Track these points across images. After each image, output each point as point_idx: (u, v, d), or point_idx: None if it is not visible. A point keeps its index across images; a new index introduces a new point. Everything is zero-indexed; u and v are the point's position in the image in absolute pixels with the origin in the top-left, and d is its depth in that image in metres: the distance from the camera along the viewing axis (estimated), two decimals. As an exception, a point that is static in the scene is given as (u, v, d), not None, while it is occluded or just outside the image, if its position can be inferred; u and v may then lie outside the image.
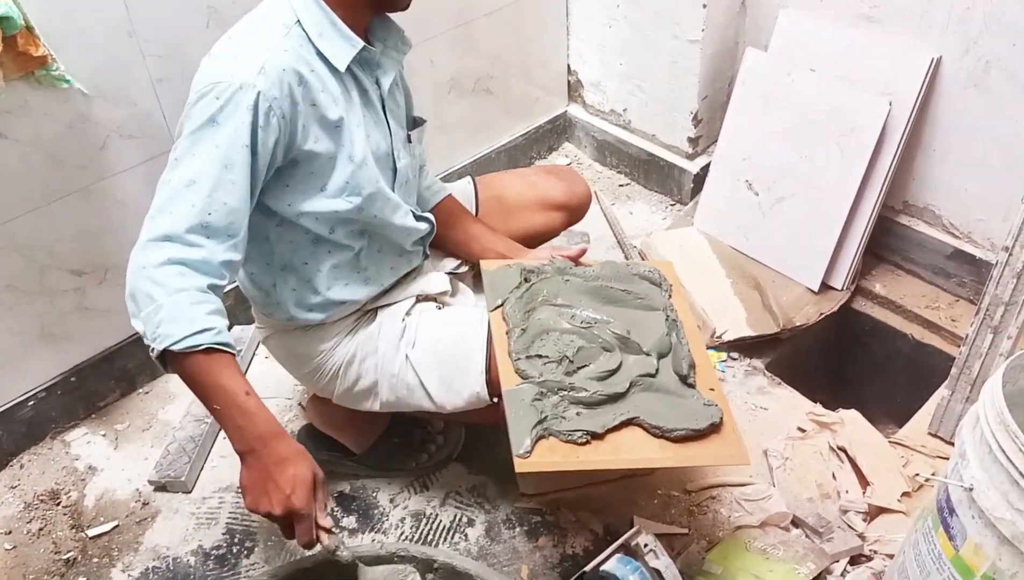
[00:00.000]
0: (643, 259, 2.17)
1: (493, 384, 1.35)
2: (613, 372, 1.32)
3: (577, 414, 1.27)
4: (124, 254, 1.74)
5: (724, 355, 1.91)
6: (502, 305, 1.43)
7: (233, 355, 1.11)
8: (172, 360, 1.08)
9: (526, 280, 1.46)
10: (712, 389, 1.35)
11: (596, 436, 1.25)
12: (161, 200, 1.13)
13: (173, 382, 1.93)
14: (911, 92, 1.81)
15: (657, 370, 1.34)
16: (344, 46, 1.23)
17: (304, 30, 1.20)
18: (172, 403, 1.88)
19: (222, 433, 1.80)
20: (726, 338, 1.91)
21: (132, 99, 1.64)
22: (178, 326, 1.06)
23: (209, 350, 1.07)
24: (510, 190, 1.70)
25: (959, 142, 1.84)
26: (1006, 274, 1.51)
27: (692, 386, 1.34)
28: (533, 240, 1.69)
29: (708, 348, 1.90)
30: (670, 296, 1.50)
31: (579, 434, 1.24)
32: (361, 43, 1.24)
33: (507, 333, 1.38)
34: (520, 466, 1.22)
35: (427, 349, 1.41)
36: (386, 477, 1.68)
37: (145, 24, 1.59)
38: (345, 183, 1.27)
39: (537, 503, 1.61)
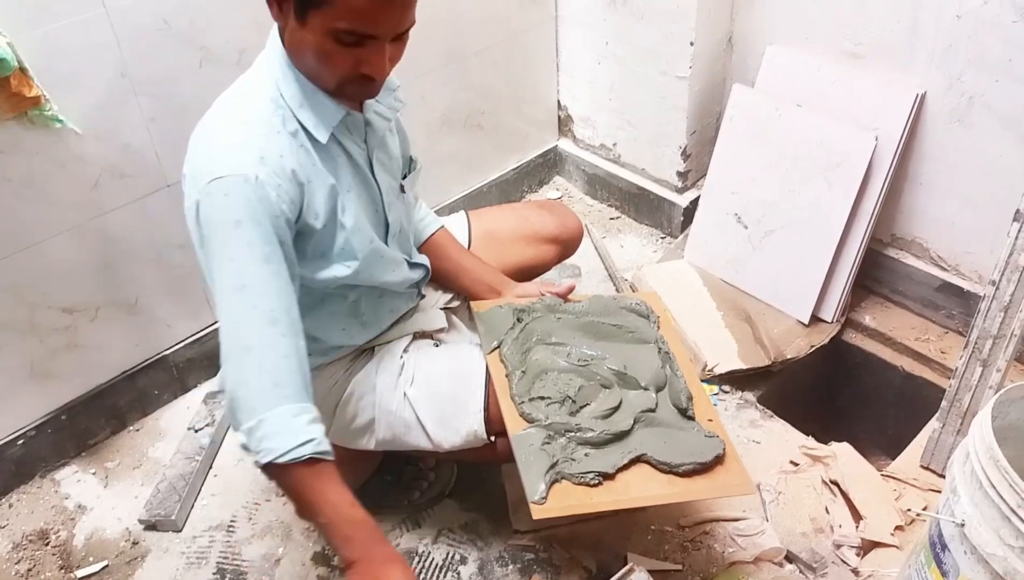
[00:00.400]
0: (634, 292, 2.18)
1: (491, 422, 1.36)
2: (615, 409, 1.34)
3: (586, 455, 1.27)
4: (116, 291, 1.76)
5: (716, 388, 1.91)
6: (499, 347, 1.43)
7: (333, 463, 1.13)
8: (275, 471, 1.11)
9: (519, 320, 1.47)
10: (711, 419, 1.36)
11: (607, 476, 1.26)
12: (224, 312, 1.14)
13: (164, 419, 1.92)
14: (897, 127, 1.84)
15: (656, 404, 1.35)
16: (324, 117, 1.21)
17: (286, 103, 1.19)
18: (162, 441, 1.87)
19: (212, 471, 1.80)
20: (718, 371, 1.91)
21: (124, 138, 1.65)
22: (281, 440, 1.09)
23: (311, 460, 1.10)
24: (502, 224, 1.71)
25: (945, 176, 1.86)
26: (993, 307, 1.52)
27: (692, 418, 1.35)
28: (525, 273, 1.70)
29: (701, 381, 1.91)
30: (659, 327, 1.51)
31: (591, 475, 1.25)
32: (342, 111, 1.23)
33: (507, 376, 1.38)
34: (537, 512, 1.22)
35: (425, 387, 1.41)
36: (378, 515, 1.65)
37: (138, 64, 1.61)
38: (341, 249, 1.27)
39: (530, 540, 1.60)
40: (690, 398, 1.38)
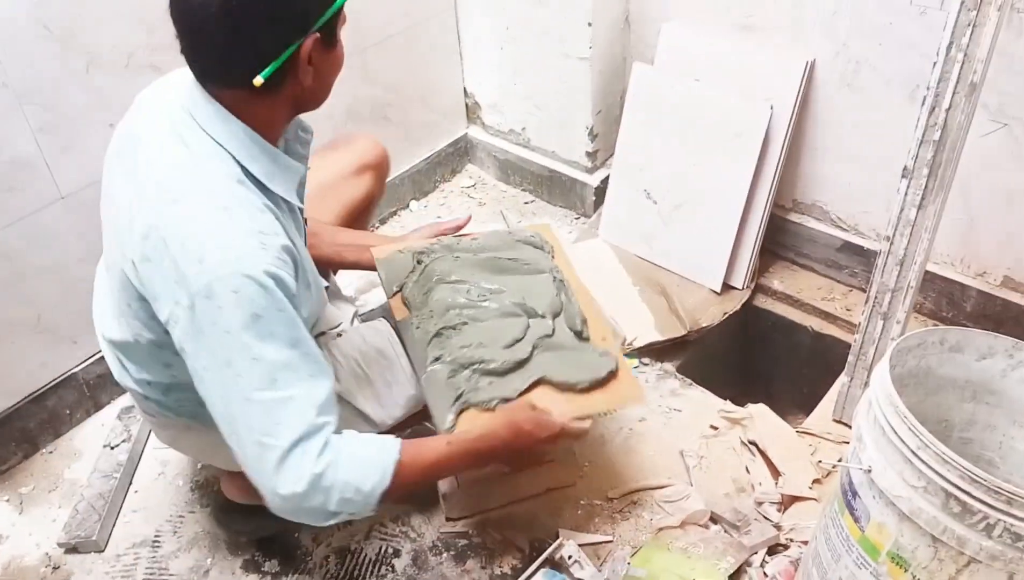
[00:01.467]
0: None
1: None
2: (517, 339, 1.41)
3: (489, 383, 1.34)
4: (16, 311, 1.70)
5: (636, 361, 1.95)
6: (400, 290, 1.50)
7: (401, 440, 1.16)
8: (393, 492, 1.12)
9: (419, 262, 1.53)
10: (604, 338, 1.46)
11: (509, 400, 1.32)
12: (259, 419, 1.05)
13: (78, 439, 1.86)
14: (790, 95, 1.89)
15: (553, 330, 1.44)
16: (290, 180, 1.18)
17: (255, 177, 1.11)
18: (78, 461, 1.81)
19: (132, 487, 1.75)
20: (637, 344, 1.95)
21: (11, 152, 1.58)
22: (371, 477, 1.10)
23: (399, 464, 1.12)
24: (318, 175, 1.57)
25: (838, 140, 1.93)
26: (890, 262, 1.59)
27: (587, 339, 1.45)
28: (359, 211, 1.70)
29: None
30: (553, 257, 1.61)
31: (495, 401, 1.32)
32: (299, 166, 1.19)
33: (411, 316, 1.46)
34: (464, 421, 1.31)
35: (350, 378, 1.41)
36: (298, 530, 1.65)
37: (19, 73, 1.54)
38: (309, 302, 1.24)
39: (463, 526, 1.61)
40: (584, 321, 1.46)
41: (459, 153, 2.64)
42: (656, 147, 2.11)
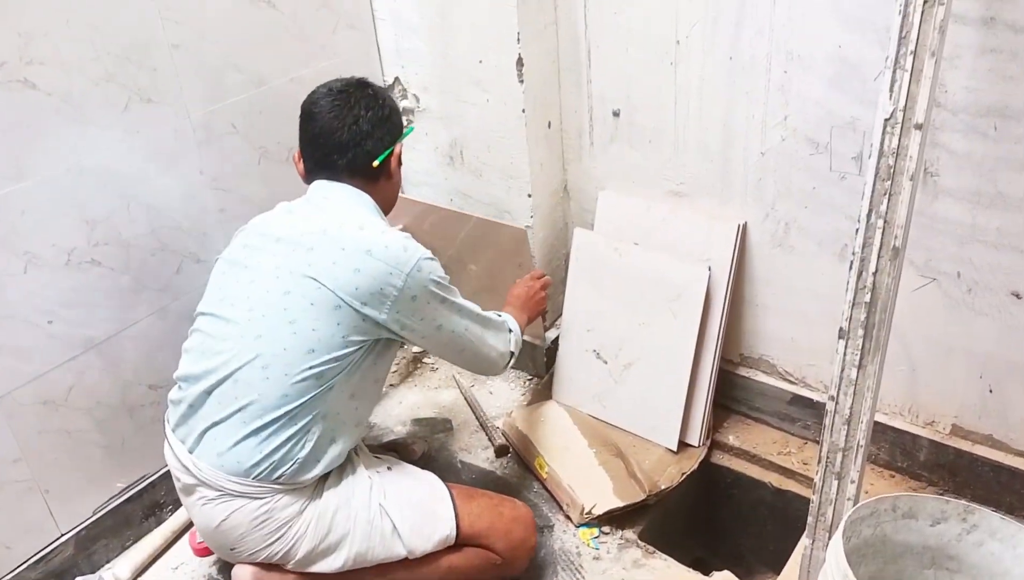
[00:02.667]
0: (506, 439, 2.18)
1: (460, 529, 1.63)
2: None
3: None
4: None
5: (596, 531, 1.90)
6: None
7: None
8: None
9: None
10: None
11: None
12: (480, 328, 1.68)
13: None
14: (726, 256, 1.95)
15: None
16: None
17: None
18: None
19: None
20: (596, 512, 1.90)
21: (202, 230, 1.90)
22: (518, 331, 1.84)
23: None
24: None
25: (777, 296, 1.97)
26: (837, 421, 1.59)
27: None
28: None
29: (579, 525, 1.90)
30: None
31: None
32: None
33: None
34: None
35: (397, 498, 1.61)
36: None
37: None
38: None
39: None
40: None
41: (410, 318, 2.64)
42: (602, 308, 2.14)
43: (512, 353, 1.78)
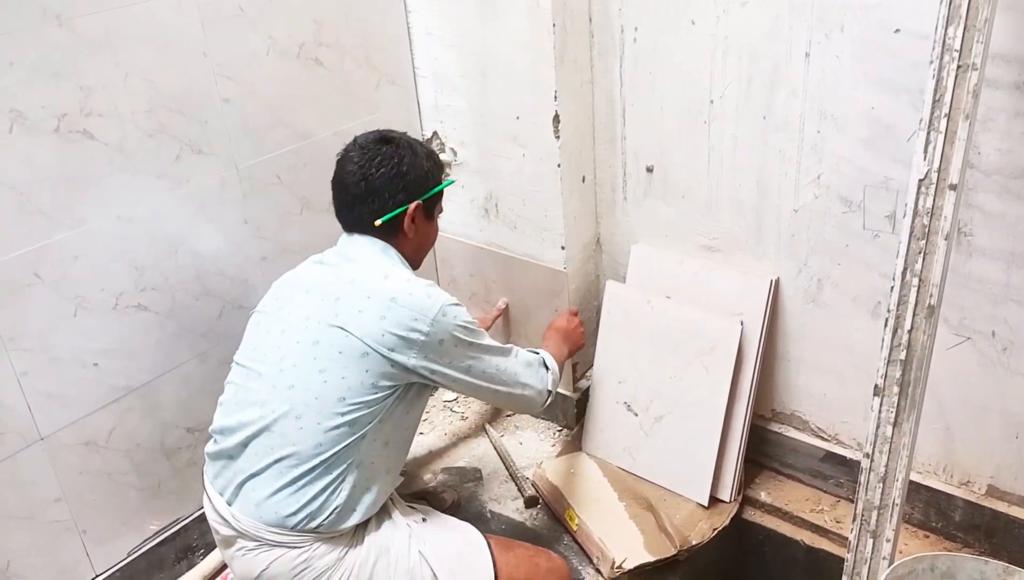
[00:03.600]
0: (535, 490, 2.18)
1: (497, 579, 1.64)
2: None
3: None
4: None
5: (626, 585, 1.89)
6: None
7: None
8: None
9: None
10: None
11: None
12: (512, 366, 1.72)
13: None
14: (759, 311, 1.96)
15: None
16: None
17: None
18: None
19: None
20: (627, 567, 1.89)
21: (244, 277, 1.94)
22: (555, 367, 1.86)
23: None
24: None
25: (810, 352, 1.98)
26: (872, 479, 1.58)
27: None
28: None
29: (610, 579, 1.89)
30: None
31: None
32: None
33: None
34: None
35: (435, 547, 1.62)
36: None
37: (10, 320, 1.59)
38: None
39: None
40: None
41: (441, 367, 2.67)
42: (634, 361, 2.15)
43: (550, 391, 1.80)
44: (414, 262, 1.71)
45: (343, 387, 1.50)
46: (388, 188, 1.61)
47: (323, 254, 1.68)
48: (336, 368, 1.50)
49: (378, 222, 1.61)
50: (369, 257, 1.62)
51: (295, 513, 1.49)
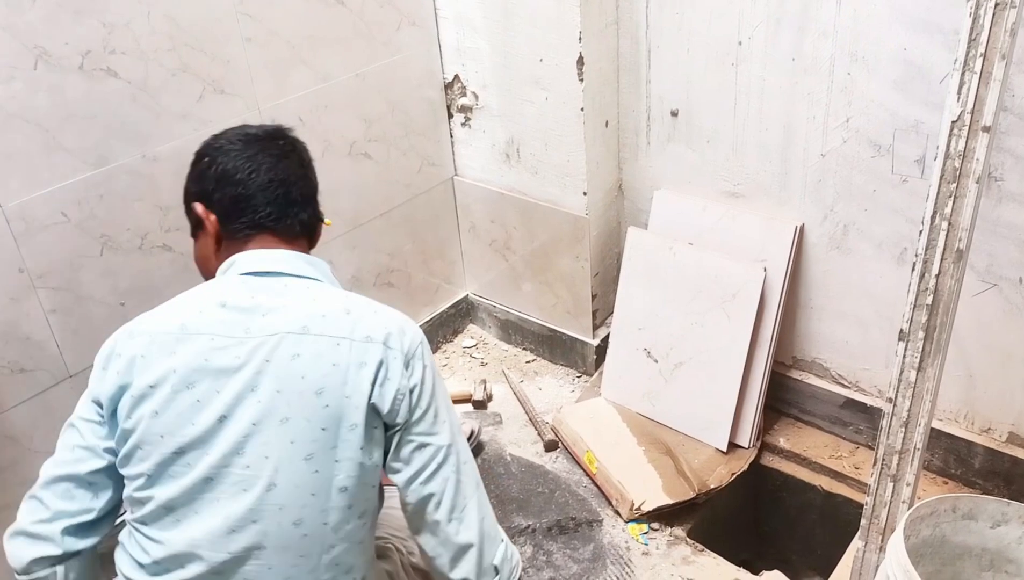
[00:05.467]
0: (555, 434, 2.20)
1: None
2: None
3: None
4: (19, 495, 1.67)
5: (646, 527, 1.91)
6: None
7: None
8: None
9: None
10: None
11: None
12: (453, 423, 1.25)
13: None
14: (782, 257, 1.95)
15: None
16: None
17: None
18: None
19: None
20: (645, 508, 1.91)
21: (24, 333, 1.62)
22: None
23: None
24: None
25: (832, 299, 1.97)
26: (894, 424, 1.58)
27: None
28: None
29: (628, 521, 1.92)
30: None
31: None
32: None
33: None
34: None
35: None
36: None
37: (36, 259, 1.60)
38: None
39: None
40: None
41: (461, 314, 2.68)
42: (654, 307, 2.15)
43: (496, 567, 1.23)
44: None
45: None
46: (315, 184, 1.35)
47: (220, 293, 1.20)
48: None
49: (328, 222, 1.36)
50: (311, 286, 1.26)
51: None
